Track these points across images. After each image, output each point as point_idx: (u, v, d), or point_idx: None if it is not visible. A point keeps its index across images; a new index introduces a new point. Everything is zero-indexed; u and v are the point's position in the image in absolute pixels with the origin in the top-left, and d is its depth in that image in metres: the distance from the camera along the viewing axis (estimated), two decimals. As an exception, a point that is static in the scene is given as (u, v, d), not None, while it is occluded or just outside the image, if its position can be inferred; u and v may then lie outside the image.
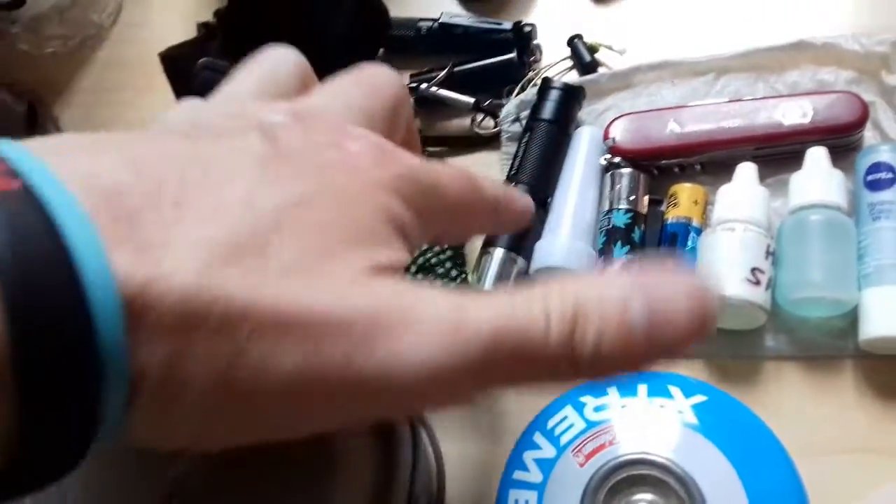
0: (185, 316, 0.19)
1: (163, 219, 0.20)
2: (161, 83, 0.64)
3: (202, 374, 0.20)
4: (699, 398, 0.43)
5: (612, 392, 0.44)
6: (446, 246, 0.54)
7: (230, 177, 0.22)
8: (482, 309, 0.22)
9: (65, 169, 0.19)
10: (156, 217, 0.20)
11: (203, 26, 0.66)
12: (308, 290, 0.21)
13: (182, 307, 0.19)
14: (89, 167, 0.20)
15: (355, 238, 0.23)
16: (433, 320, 0.22)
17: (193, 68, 0.60)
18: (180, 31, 0.70)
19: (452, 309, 0.22)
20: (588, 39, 0.62)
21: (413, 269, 0.52)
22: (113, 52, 0.74)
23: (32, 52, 0.74)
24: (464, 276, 0.53)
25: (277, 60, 0.31)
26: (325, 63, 0.61)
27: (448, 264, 0.53)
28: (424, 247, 0.53)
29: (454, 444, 0.51)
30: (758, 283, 0.48)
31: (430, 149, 0.60)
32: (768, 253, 0.49)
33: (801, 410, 0.49)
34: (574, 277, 0.24)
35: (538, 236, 0.55)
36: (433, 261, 0.53)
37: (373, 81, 0.30)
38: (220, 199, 0.21)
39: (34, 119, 0.68)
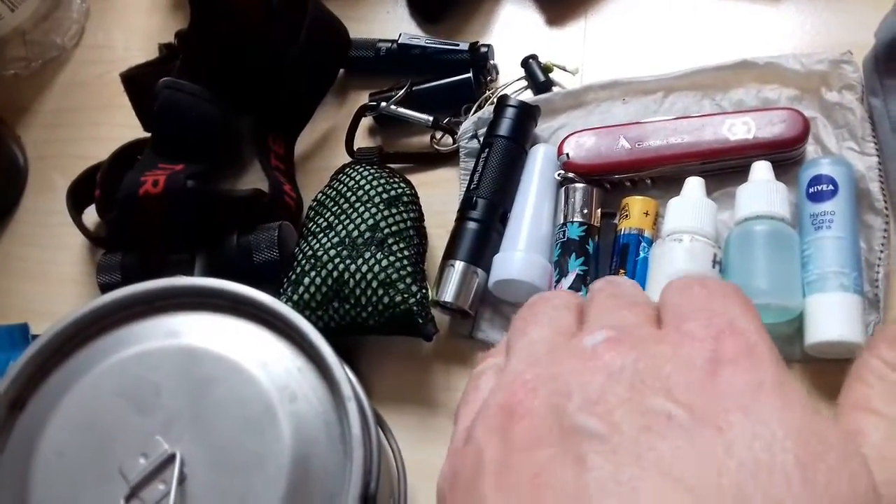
0: None
1: None
2: (122, 103, 0.65)
3: None
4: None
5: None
6: (406, 262, 0.55)
7: None
8: None
9: None
10: None
11: (165, 47, 0.67)
12: None
13: None
14: None
15: None
16: None
17: (155, 88, 0.61)
18: (142, 52, 0.71)
19: None
20: (542, 60, 0.64)
21: (374, 284, 0.53)
22: (75, 73, 0.75)
23: (-6, 73, 0.74)
24: (424, 290, 0.54)
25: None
26: (286, 84, 0.62)
27: (409, 280, 0.54)
28: (385, 263, 0.54)
29: (417, 450, 0.52)
30: (706, 290, 0.49)
31: (392, 165, 0.61)
32: (715, 262, 0.51)
33: (750, 414, 0.50)
34: None
35: (497, 250, 0.56)
36: (394, 276, 0.53)
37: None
38: None
39: (-4, 139, 0.68)
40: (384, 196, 0.57)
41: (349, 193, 0.58)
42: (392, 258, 0.55)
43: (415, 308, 0.53)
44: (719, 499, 0.18)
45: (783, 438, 0.19)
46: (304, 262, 0.55)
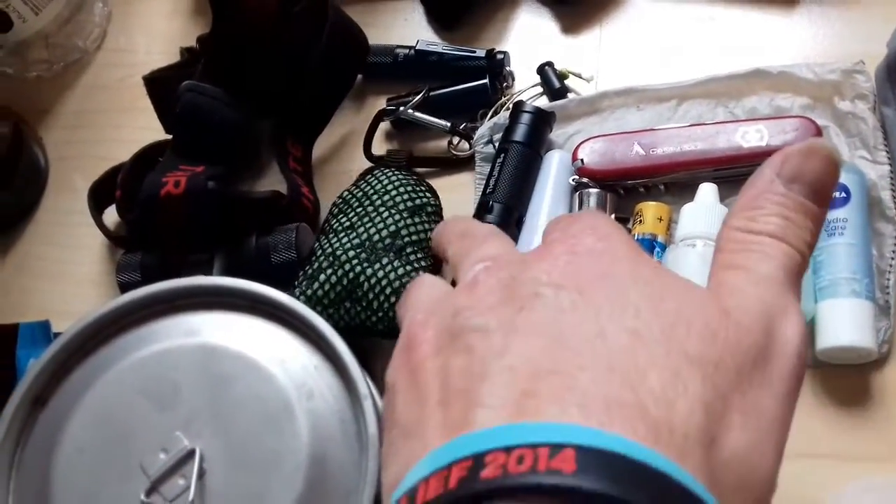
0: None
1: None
2: (143, 105, 0.66)
3: None
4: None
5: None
6: (422, 273, 0.55)
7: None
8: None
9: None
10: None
11: (186, 51, 0.68)
12: None
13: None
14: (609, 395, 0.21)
15: None
16: None
17: (176, 91, 0.62)
18: (163, 56, 0.71)
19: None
20: (558, 67, 0.64)
21: (388, 290, 0.53)
22: (97, 76, 0.76)
23: (17, 75, 0.75)
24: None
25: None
26: (305, 88, 0.63)
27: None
28: (401, 271, 0.54)
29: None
30: (718, 296, 0.50)
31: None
32: (728, 268, 0.51)
33: (761, 419, 0.51)
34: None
35: (510, 253, 0.57)
36: (405, 280, 0.54)
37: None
38: None
39: (19, 141, 0.69)
40: (409, 204, 0.58)
41: (375, 196, 0.58)
42: (409, 267, 0.55)
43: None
44: (575, 339, 0.22)
45: (632, 287, 0.23)
46: (322, 258, 0.56)
